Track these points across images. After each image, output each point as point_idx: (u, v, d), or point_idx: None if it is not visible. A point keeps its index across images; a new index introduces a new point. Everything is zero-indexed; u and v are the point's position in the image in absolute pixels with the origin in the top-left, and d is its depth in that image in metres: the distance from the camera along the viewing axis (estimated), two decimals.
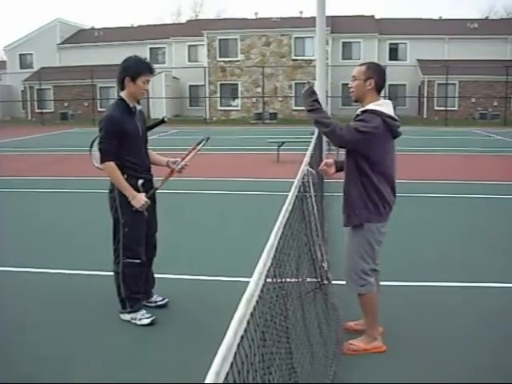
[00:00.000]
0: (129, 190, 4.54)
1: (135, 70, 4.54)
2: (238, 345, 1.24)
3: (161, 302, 5.14)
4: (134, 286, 4.78)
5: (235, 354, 1.21)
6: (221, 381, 1.10)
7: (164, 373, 3.94)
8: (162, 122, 5.38)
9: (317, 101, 4.11)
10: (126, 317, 4.80)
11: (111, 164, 4.54)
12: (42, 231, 8.17)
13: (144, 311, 4.81)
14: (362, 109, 4.08)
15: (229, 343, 1.19)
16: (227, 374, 1.13)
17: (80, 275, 6.09)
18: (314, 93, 4.16)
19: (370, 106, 4.06)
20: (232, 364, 1.17)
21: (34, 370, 4.02)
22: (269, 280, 1.65)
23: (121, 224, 4.67)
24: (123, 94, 4.66)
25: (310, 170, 4.48)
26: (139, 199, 4.56)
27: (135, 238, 4.71)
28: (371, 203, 4.06)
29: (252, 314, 1.38)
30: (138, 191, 4.61)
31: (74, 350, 4.32)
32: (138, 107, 4.81)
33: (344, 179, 4.22)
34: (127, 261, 4.70)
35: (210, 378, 1.06)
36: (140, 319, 4.74)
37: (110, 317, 4.91)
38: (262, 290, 1.52)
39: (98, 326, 4.77)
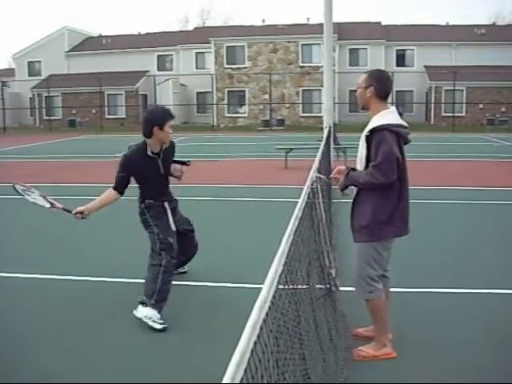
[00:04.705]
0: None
1: (162, 119, 5.14)
2: (252, 350, 1.24)
3: (182, 270, 6.03)
4: (168, 281, 5.02)
5: (249, 359, 1.22)
6: None
7: (176, 379, 3.95)
8: (185, 164, 5.89)
9: (347, 176, 4.13)
10: (143, 312, 4.84)
11: (110, 190, 5.24)
12: (48, 238, 8.21)
13: (159, 316, 4.83)
14: (369, 128, 4.04)
15: (243, 349, 1.19)
16: (242, 378, 1.14)
17: (87, 281, 6.11)
18: (346, 176, 4.17)
19: (374, 122, 4.04)
20: (246, 369, 1.18)
21: (39, 374, 4.04)
22: (281, 286, 1.66)
23: (156, 236, 5.13)
24: (149, 142, 5.21)
25: (319, 176, 4.48)
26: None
27: (171, 243, 5.17)
28: (396, 219, 4.08)
29: (265, 320, 1.39)
30: (166, 210, 5.30)
31: (81, 355, 4.34)
32: (165, 145, 5.36)
33: (357, 194, 4.19)
34: (170, 260, 5.08)
35: (225, 381, 1.07)
36: (154, 321, 4.79)
37: (118, 322, 4.95)
38: (274, 296, 1.53)
39: (105, 332, 4.79)
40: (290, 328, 1.69)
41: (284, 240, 2.04)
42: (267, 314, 1.42)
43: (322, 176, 4.59)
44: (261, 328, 1.32)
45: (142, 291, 4.96)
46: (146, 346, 4.52)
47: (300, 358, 1.56)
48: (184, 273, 6.14)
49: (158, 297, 4.88)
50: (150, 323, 4.78)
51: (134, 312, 4.90)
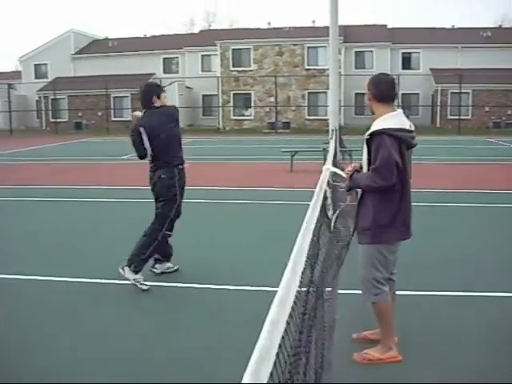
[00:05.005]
0: None
1: (158, 91, 6.27)
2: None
3: (174, 268, 6.36)
4: (156, 253, 6.03)
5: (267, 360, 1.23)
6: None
7: (176, 379, 3.97)
8: None
9: (351, 178, 4.20)
10: (130, 276, 5.68)
11: None
12: (48, 238, 8.24)
13: (143, 277, 5.74)
14: (369, 131, 4.07)
15: (262, 348, 1.21)
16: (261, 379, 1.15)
17: (87, 282, 6.13)
18: (350, 178, 4.21)
19: (375, 125, 4.06)
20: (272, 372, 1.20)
21: (38, 374, 4.07)
22: (296, 288, 1.68)
23: (176, 207, 6.01)
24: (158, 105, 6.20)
25: (332, 168, 4.48)
26: None
27: (174, 217, 6.09)
28: (397, 222, 4.08)
29: (282, 320, 1.41)
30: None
31: (80, 355, 4.37)
32: None
33: (361, 196, 4.21)
34: (166, 233, 6.02)
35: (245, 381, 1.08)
36: (141, 284, 5.70)
37: (118, 323, 5.00)
38: (290, 297, 1.56)
39: (104, 332, 4.82)
40: (303, 326, 1.73)
41: (298, 241, 2.05)
42: (291, 315, 1.45)
43: (336, 169, 4.57)
44: (278, 327, 1.34)
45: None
46: (146, 347, 4.54)
47: (304, 359, 1.59)
48: (176, 271, 6.39)
49: (141, 263, 5.75)
50: (139, 286, 5.68)
51: (120, 270, 5.70)
